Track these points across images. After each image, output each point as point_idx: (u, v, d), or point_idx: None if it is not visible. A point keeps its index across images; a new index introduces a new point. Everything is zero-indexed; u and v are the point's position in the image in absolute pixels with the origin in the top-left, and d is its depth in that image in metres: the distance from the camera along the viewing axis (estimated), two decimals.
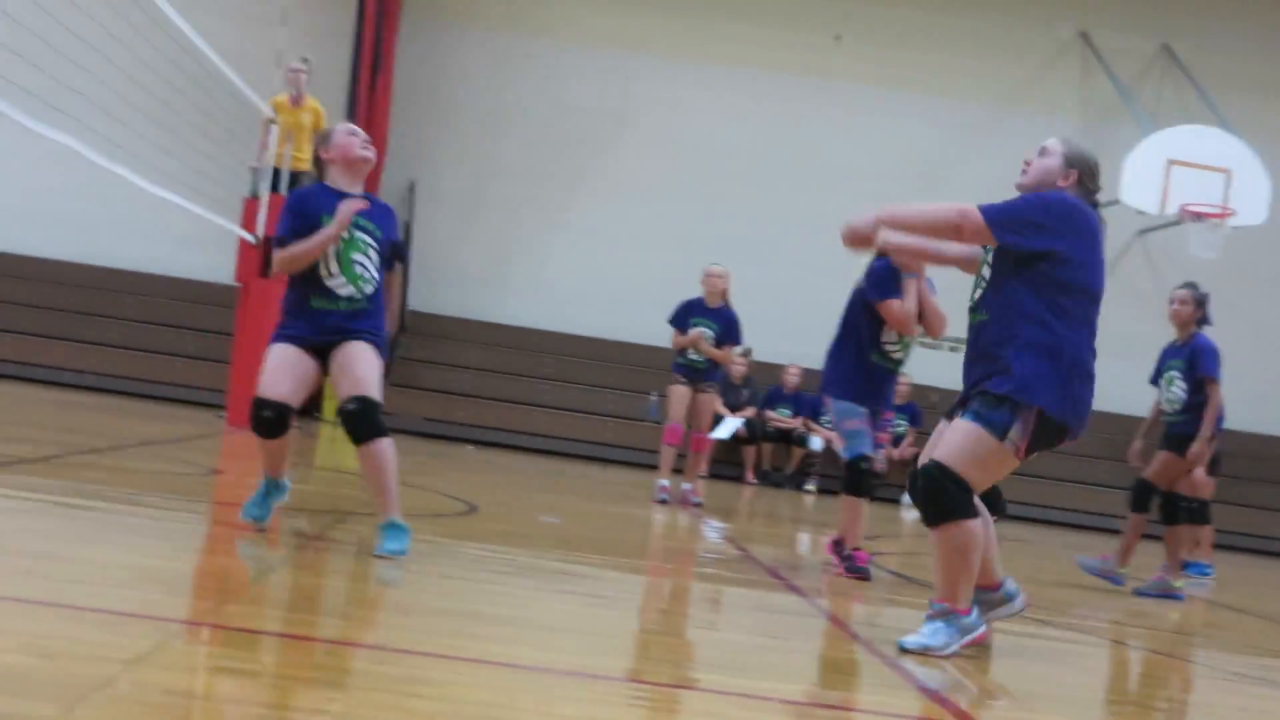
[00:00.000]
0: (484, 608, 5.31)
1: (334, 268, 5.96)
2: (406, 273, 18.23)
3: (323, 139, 6.20)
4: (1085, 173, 5.31)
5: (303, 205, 6.04)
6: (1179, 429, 9.17)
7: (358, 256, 6.00)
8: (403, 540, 5.88)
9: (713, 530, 10.49)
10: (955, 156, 18.52)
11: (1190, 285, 9.24)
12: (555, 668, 4.27)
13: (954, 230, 5.17)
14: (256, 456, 6.13)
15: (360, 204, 6.00)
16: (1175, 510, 9.45)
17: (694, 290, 11.44)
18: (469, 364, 17.91)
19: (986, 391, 5.08)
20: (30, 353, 16.53)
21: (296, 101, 14.08)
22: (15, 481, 6.90)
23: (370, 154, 6.16)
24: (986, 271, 5.27)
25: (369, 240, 6.04)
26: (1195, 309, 9.19)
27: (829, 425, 16.72)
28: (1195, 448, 9.06)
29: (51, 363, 16.50)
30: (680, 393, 11.34)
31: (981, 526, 5.20)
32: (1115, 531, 16.97)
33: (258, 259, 13.35)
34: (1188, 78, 18.65)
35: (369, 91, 17.20)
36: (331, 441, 14.20)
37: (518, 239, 18.74)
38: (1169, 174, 15.78)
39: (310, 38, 16.06)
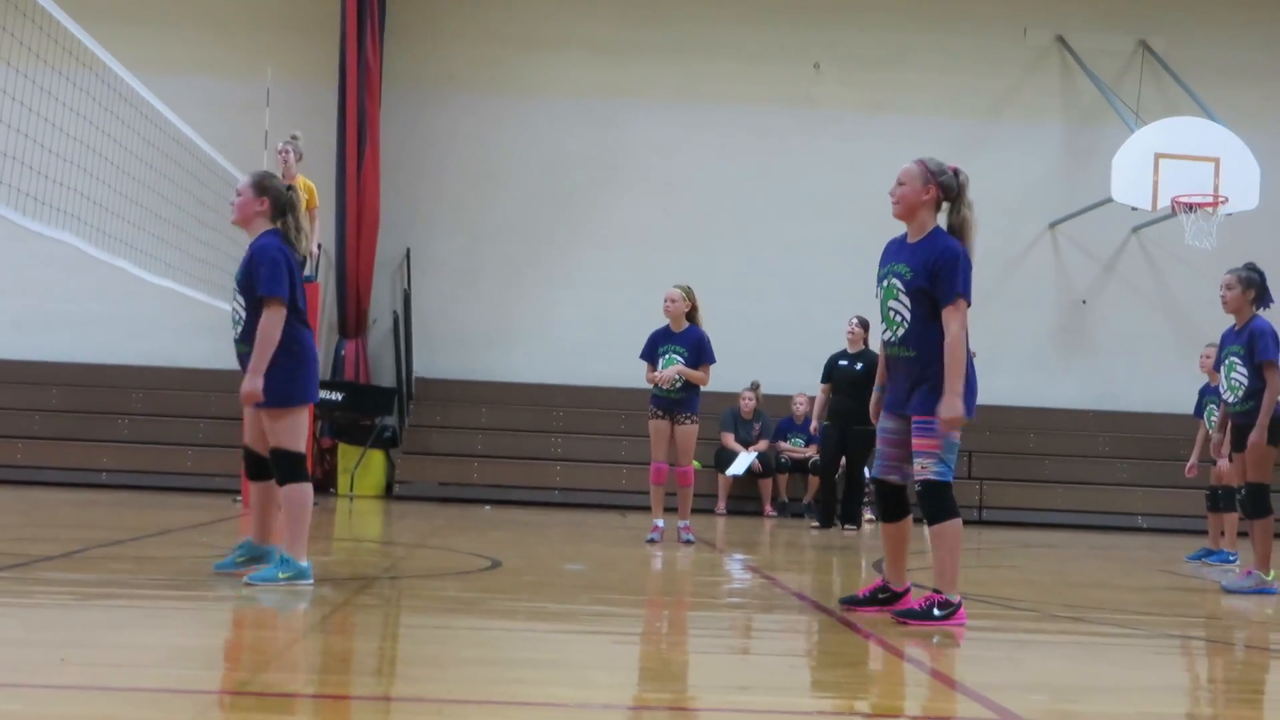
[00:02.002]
0: (518, 654, 5.32)
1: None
2: (403, 336, 18.28)
3: None
4: None
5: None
6: (1244, 419, 8.67)
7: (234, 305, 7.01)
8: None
9: (737, 563, 10.48)
10: None
11: (1237, 269, 8.78)
12: (594, 703, 4.28)
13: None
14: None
15: None
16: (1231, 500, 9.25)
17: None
18: (479, 425, 17.92)
19: None
20: (44, 456, 16.56)
21: (286, 180, 14.15)
22: (42, 578, 6.92)
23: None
24: None
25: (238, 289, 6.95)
26: (1244, 290, 8.72)
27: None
28: (1253, 436, 8.54)
29: (66, 464, 16.52)
30: (659, 428, 11.03)
31: None
32: (1138, 530, 17.00)
33: None
34: (1167, 71, 18.73)
35: (357, 164, 17.30)
36: (350, 514, 14.21)
37: (518, 295, 18.78)
38: (1158, 168, 15.79)
39: (295, 116, 16.11)
